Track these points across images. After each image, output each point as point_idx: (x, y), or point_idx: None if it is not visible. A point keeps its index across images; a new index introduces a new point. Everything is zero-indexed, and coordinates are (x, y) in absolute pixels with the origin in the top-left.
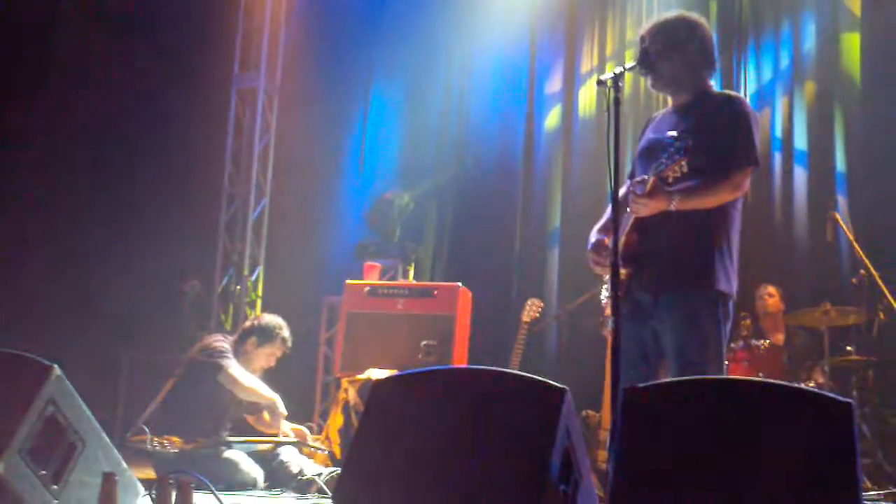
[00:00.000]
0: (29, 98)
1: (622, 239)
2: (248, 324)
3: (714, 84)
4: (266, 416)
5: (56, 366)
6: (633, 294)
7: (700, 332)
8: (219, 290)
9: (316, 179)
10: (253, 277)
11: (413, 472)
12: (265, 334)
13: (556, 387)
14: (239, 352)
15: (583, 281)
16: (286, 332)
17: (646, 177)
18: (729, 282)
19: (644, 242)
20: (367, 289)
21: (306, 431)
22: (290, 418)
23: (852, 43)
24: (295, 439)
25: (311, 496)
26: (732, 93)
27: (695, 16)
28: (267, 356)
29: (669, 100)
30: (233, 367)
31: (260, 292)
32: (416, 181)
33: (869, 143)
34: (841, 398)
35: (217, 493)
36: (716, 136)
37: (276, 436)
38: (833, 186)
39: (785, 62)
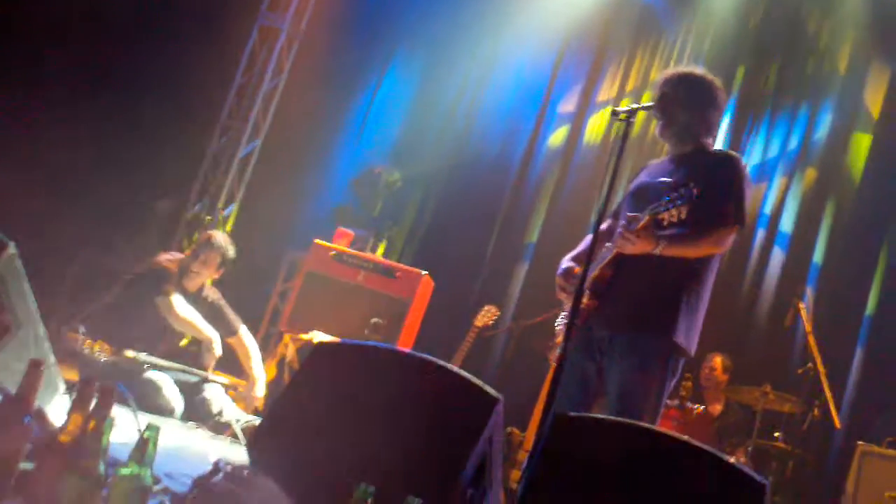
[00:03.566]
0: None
1: (595, 272)
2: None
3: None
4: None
5: (13, 244)
6: (590, 327)
7: (646, 380)
8: (189, 216)
9: (313, 135)
10: (226, 212)
11: (332, 440)
12: (206, 245)
13: (491, 394)
14: (187, 268)
15: (543, 302)
16: (230, 253)
17: (640, 215)
18: (688, 338)
19: (616, 280)
20: (333, 252)
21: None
22: (223, 360)
23: (862, 143)
24: (225, 380)
25: (224, 438)
26: (731, 152)
27: (717, 81)
28: (204, 263)
29: (666, 150)
30: (174, 295)
31: (228, 228)
32: (409, 162)
33: (850, 243)
34: (759, 478)
35: (136, 411)
36: (709, 190)
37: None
38: (805, 276)
39: (793, 144)
